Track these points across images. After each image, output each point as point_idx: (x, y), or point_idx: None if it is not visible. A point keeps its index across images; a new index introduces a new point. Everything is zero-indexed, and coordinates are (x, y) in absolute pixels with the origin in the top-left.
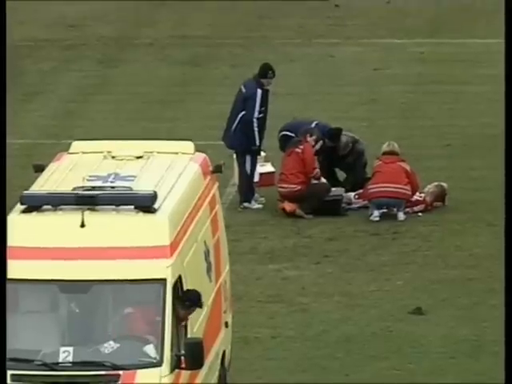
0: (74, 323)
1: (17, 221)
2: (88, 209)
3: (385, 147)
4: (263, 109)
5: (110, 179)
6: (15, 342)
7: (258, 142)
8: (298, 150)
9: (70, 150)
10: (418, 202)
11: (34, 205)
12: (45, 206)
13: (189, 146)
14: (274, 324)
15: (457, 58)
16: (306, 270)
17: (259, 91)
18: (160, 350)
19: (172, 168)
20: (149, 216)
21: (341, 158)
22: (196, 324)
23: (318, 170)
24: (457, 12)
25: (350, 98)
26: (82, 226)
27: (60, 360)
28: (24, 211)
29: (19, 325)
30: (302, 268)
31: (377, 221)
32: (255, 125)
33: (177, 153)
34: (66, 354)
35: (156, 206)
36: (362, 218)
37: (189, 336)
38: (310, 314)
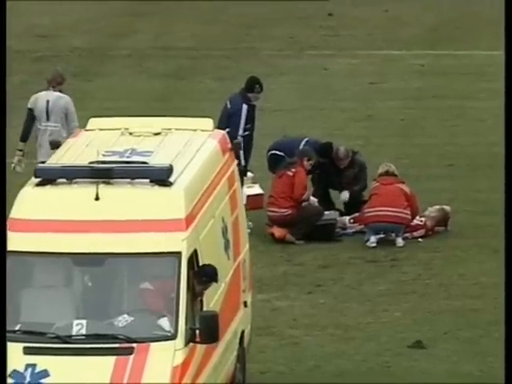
0: (88, 296)
1: (31, 194)
2: (103, 182)
3: (381, 169)
4: (249, 126)
5: (126, 154)
6: (28, 315)
7: (243, 162)
8: (289, 172)
9: (87, 127)
10: (418, 227)
11: (49, 178)
12: (59, 180)
13: (208, 122)
14: (264, 358)
15: (460, 70)
16: (297, 300)
17: (245, 107)
18: (174, 323)
19: (190, 144)
20: (164, 189)
21: (340, 172)
22: (212, 300)
23: (307, 193)
24: (459, 21)
25: (345, 115)
26: (97, 198)
27: (73, 333)
28: (38, 184)
29: (33, 298)
30: (292, 298)
31: (374, 247)
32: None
33: (195, 130)
34: (79, 327)
35: (172, 179)
36: (358, 244)
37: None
38: (301, 347)
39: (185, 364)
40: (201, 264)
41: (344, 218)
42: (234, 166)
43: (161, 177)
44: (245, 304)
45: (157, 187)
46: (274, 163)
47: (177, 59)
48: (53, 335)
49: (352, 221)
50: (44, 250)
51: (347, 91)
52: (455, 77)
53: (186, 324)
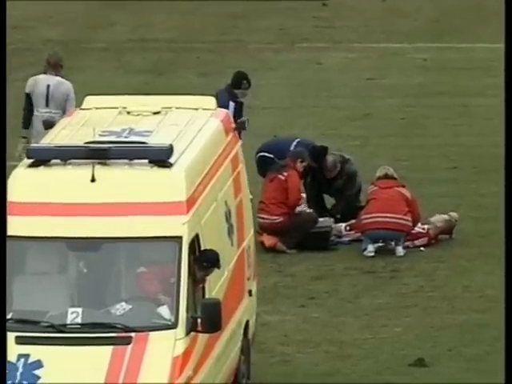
0: (84, 283)
1: (23, 175)
2: (99, 163)
3: (379, 172)
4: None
5: (124, 134)
6: (21, 302)
7: None
8: (281, 176)
9: (83, 106)
10: (419, 235)
11: (42, 158)
12: (53, 160)
13: (210, 101)
14: (252, 377)
15: (464, 65)
16: (289, 314)
17: (231, 104)
18: (175, 311)
19: (191, 123)
20: (164, 170)
21: (328, 182)
22: (215, 288)
23: (303, 198)
24: (464, 12)
25: (340, 113)
26: (93, 180)
27: (68, 322)
28: (31, 165)
29: (25, 285)
30: (283, 312)
31: (371, 256)
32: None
33: (197, 108)
34: (74, 316)
35: (172, 160)
36: (355, 254)
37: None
38: (293, 365)
39: (186, 354)
40: (202, 249)
41: (339, 225)
42: (237, 147)
43: (160, 157)
44: (249, 293)
45: (156, 168)
46: (264, 166)
47: (156, 53)
48: (46, 324)
49: (348, 228)
50: (37, 235)
51: (343, 88)
52: (459, 72)
53: (187, 312)
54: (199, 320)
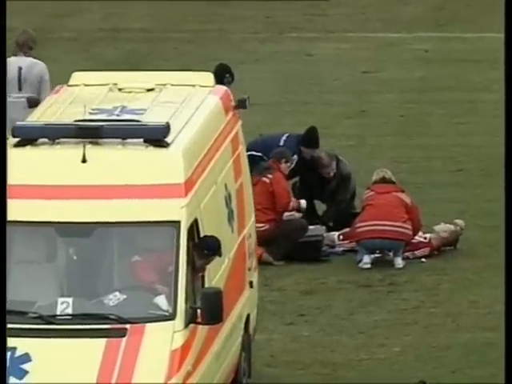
0: (75, 271)
1: (8, 155)
2: (90, 142)
3: (375, 176)
4: None
5: (115, 112)
6: (7, 292)
7: None
8: (266, 179)
9: (70, 82)
10: (421, 245)
11: (29, 138)
12: (41, 140)
13: (208, 77)
14: None
15: (470, 57)
16: (276, 332)
17: None
18: (173, 301)
19: (188, 101)
20: (160, 150)
21: (321, 184)
22: (215, 277)
23: (293, 201)
24: None
25: (333, 110)
26: (84, 161)
27: (58, 312)
28: (16, 145)
29: (12, 273)
30: (270, 330)
31: (367, 268)
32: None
33: (194, 85)
34: (64, 306)
35: (169, 139)
36: (349, 265)
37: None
38: None
39: (184, 348)
40: (202, 235)
41: (332, 233)
42: (238, 127)
43: (156, 136)
44: (250, 284)
45: (152, 148)
46: (252, 166)
47: (129, 43)
48: (35, 315)
49: (341, 237)
50: (24, 219)
51: (336, 82)
52: (464, 64)
53: (186, 302)
54: (199, 311)
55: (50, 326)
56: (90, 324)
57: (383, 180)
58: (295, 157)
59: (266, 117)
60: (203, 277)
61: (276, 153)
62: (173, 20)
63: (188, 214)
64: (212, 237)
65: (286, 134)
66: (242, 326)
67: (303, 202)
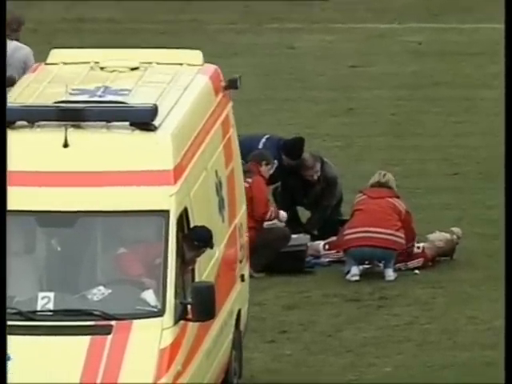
0: (56, 264)
1: None
2: (72, 125)
3: (374, 179)
4: None
5: (98, 93)
6: None
7: None
8: (245, 184)
9: (48, 60)
10: (414, 255)
11: (6, 120)
12: (19, 122)
13: (196, 55)
14: None
15: (467, 50)
16: (256, 351)
17: None
18: (161, 296)
19: (175, 81)
20: (148, 134)
21: (305, 189)
22: (206, 270)
23: (272, 210)
24: None
25: (318, 108)
26: (66, 145)
27: (38, 308)
28: None
29: None
30: (250, 348)
31: (356, 281)
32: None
33: (181, 64)
34: (45, 301)
35: (156, 122)
36: (335, 278)
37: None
38: None
39: (174, 346)
40: (192, 225)
41: (317, 243)
42: (228, 108)
43: (143, 119)
44: (242, 278)
45: (138, 132)
46: None
47: (95, 35)
48: (13, 311)
49: (327, 247)
50: None
51: (321, 77)
52: (461, 58)
53: (176, 298)
54: (189, 306)
55: (30, 323)
56: (72, 320)
57: (378, 184)
58: (275, 162)
59: (243, 115)
60: (193, 270)
61: (255, 155)
62: (143, 9)
63: (177, 202)
64: (203, 227)
65: (266, 136)
66: (233, 322)
67: (283, 214)
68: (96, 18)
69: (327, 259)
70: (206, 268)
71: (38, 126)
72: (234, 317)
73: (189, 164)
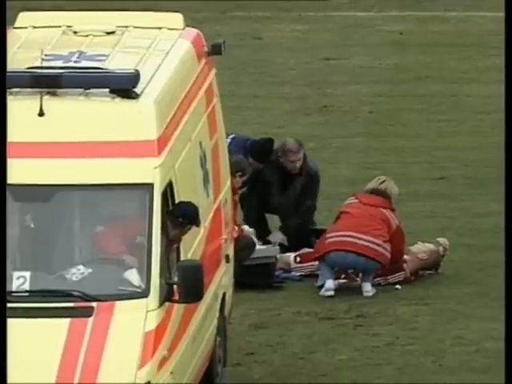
0: (32, 242)
1: None
2: (48, 93)
3: (370, 185)
4: None
5: (73, 59)
6: None
7: None
8: None
9: (17, 24)
10: (395, 269)
11: None
12: None
13: (177, 18)
14: None
15: (453, 40)
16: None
17: None
18: (146, 276)
19: (155, 46)
20: (129, 102)
21: (286, 181)
22: (191, 249)
23: (236, 231)
24: None
25: (288, 105)
26: (41, 114)
27: (13, 289)
28: None
29: None
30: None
31: (330, 297)
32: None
33: (160, 28)
34: (20, 281)
35: (138, 90)
36: (308, 293)
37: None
38: None
39: (159, 329)
40: (177, 201)
41: (287, 255)
42: (212, 76)
43: (124, 85)
44: (227, 258)
45: (119, 99)
46: None
47: None
48: None
49: (299, 259)
50: None
51: (292, 71)
52: (447, 50)
53: (161, 277)
54: (175, 287)
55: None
56: (50, 302)
57: (373, 191)
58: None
59: None
60: (178, 248)
61: (230, 165)
62: None
63: (162, 175)
64: (189, 203)
65: (232, 136)
66: (218, 306)
67: (247, 230)
68: (43, 5)
69: (298, 273)
70: (191, 246)
71: (11, 94)
72: (219, 301)
73: (173, 134)
